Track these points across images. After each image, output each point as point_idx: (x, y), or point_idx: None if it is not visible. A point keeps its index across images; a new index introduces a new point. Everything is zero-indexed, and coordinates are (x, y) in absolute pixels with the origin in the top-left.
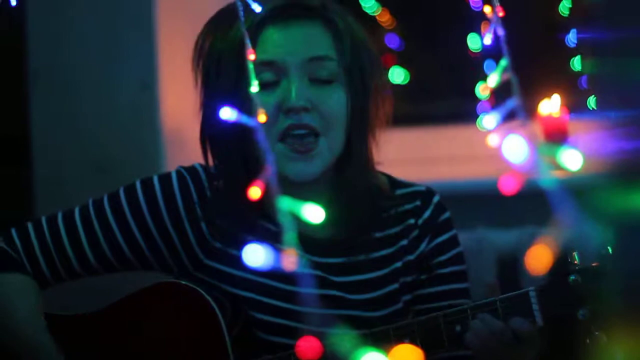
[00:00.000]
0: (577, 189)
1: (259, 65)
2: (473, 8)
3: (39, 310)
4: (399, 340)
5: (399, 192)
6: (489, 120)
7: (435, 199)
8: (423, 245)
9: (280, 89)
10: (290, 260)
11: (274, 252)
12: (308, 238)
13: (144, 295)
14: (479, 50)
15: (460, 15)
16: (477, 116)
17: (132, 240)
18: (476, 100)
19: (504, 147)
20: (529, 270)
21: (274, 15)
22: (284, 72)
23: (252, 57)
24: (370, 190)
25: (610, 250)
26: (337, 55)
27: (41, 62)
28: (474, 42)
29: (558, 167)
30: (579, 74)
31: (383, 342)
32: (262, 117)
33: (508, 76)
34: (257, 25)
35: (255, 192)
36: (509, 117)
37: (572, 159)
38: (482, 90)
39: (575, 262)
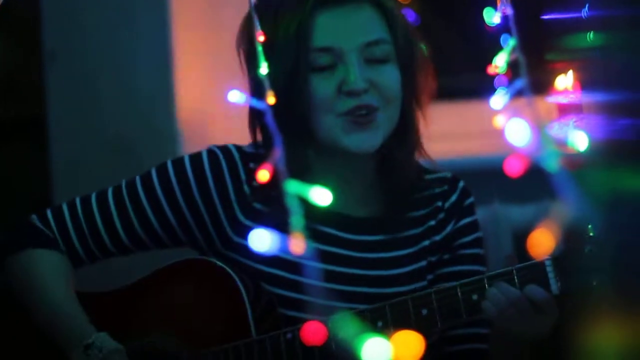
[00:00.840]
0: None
1: (316, 51)
2: None
3: (72, 287)
4: (418, 311)
5: (427, 177)
6: (496, 100)
7: (461, 184)
8: (449, 227)
9: (337, 71)
10: (298, 244)
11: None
12: (342, 216)
13: (169, 272)
14: (495, 25)
15: None
16: (494, 91)
17: (164, 219)
18: (493, 75)
19: (507, 130)
20: (531, 254)
21: (326, 1)
22: (340, 57)
23: (261, 38)
24: (411, 169)
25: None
26: (389, 37)
27: (57, 43)
28: (489, 16)
29: (562, 148)
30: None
31: (402, 313)
32: (271, 100)
33: (516, 56)
34: (311, 12)
35: (263, 175)
36: (517, 95)
37: (579, 139)
38: (491, 69)
39: (591, 234)
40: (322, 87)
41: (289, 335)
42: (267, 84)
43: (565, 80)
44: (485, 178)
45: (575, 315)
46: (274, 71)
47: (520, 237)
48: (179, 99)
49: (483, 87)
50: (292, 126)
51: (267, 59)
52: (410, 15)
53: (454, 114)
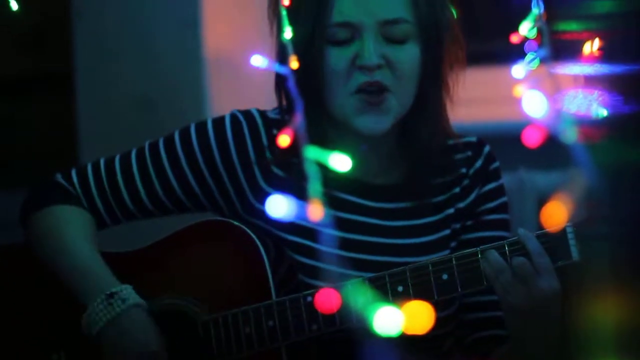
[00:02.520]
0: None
1: (336, 25)
2: None
3: (95, 242)
4: (438, 275)
5: (451, 142)
6: (518, 69)
7: (486, 149)
8: (474, 194)
9: (354, 45)
10: (316, 211)
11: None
12: (363, 183)
13: (190, 232)
14: None
15: None
16: (522, 57)
17: (185, 183)
18: (522, 40)
19: (524, 101)
20: (545, 223)
21: None
22: (358, 31)
23: (286, 2)
24: (435, 143)
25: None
26: (411, 16)
27: (82, 3)
28: None
29: (581, 119)
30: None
31: (423, 278)
32: (294, 64)
33: (540, 24)
34: None
35: (284, 140)
36: (540, 64)
37: (600, 108)
38: (515, 37)
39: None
40: (337, 59)
41: (309, 298)
42: (290, 48)
43: (591, 47)
44: (510, 144)
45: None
46: (294, 40)
47: (545, 203)
48: (205, 57)
49: (511, 53)
50: (309, 96)
51: (291, 24)
52: None
53: (481, 79)
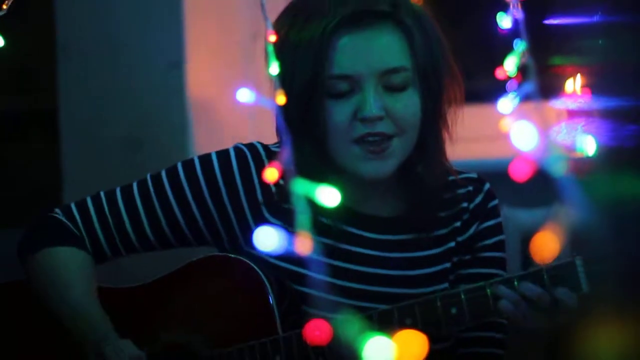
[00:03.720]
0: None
1: (335, 77)
2: None
3: (94, 286)
4: (447, 309)
5: (454, 177)
6: (504, 103)
7: (486, 186)
8: (473, 229)
9: (355, 97)
10: (304, 244)
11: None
12: (366, 215)
13: (193, 268)
14: (506, 29)
15: None
16: (503, 95)
17: (190, 215)
18: (502, 79)
19: (513, 133)
20: (534, 257)
21: (345, 24)
22: (357, 83)
23: (272, 38)
24: (436, 181)
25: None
26: (411, 63)
27: (70, 38)
28: (502, 20)
29: (570, 152)
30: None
31: (431, 312)
32: (281, 99)
33: (526, 59)
34: (330, 34)
35: (271, 174)
36: (526, 99)
37: (588, 143)
38: (501, 73)
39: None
40: (338, 113)
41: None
42: (277, 83)
43: (573, 84)
44: (494, 181)
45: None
46: (290, 95)
47: (529, 241)
48: (190, 96)
49: (492, 91)
50: (310, 141)
51: (289, 75)
52: None
53: (464, 117)
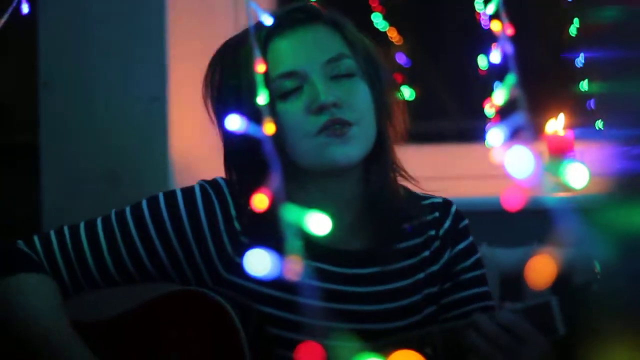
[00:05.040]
0: (582, 207)
1: (279, 77)
2: (482, 26)
3: (62, 310)
4: (421, 349)
5: (418, 204)
6: (494, 136)
7: (453, 208)
8: (446, 255)
9: (305, 93)
10: (294, 269)
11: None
12: (332, 250)
13: (161, 303)
14: (487, 69)
15: (467, 33)
16: (484, 135)
17: (154, 252)
18: (482, 119)
19: (508, 161)
20: (529, 284)
21: (280, 26)
22: (304, 78)
23: (262, 68)
24: (397, 196)
25: (598, 268)
26: (350, 52)
27: (52, 72)
28: (483, 61)
29: (563, 186)
30: (586, 96)
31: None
32: (270, 128)
33: (515, 93)
34: (265, 40)
35: (261, 202)
36: (514, 134)
37: (578, 177)
38: (489, 107)
39: (597, 271)
40: (292, 111)
41: None
42: (265, 112)
43: (556, 124)
44: (473, 220)
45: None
46: (242, 103)
47: (507, 280)
48: (171, 131)
49: (474, 131)
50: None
51: (233, 89)
52: (402, 58)
53: (441, 156)
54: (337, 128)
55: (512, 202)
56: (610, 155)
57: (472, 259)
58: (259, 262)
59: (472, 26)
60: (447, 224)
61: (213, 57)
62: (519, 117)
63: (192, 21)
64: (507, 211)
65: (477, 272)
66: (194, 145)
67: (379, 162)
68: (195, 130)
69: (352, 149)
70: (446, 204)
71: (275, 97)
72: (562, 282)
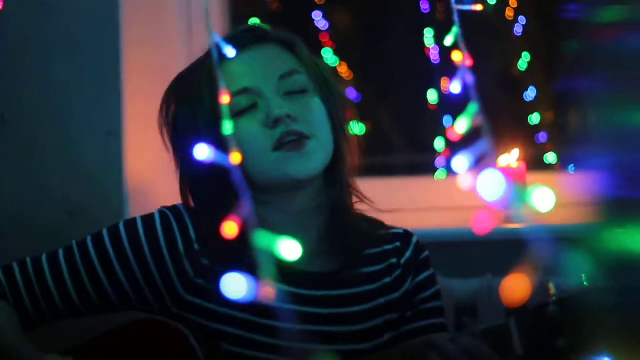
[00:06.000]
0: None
1: (234, 95)
2: (431, 61)
3: (26, 338)
4: None
5: (380, 232)
6: (459, 162)
7: (414, 239)
8: (407, 284)
9: (259, 109)
10: (268, 292)
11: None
12: (294, 271)
13: (120, 333)
14: (437, 104)
15: (417, 69)
16: (434, 168)
17: (116, 280)
18: (432, 153)
19: (479, 182)
20: (505, 301)
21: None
22: (258, 94)
23: (226, 99)
24: (355, 219)
25: (585, 282)
26: (302, 68)
27: (7, 107)
28: (432, 96)
29: (530, 211)
30: (536, 129)
31: None
32: (236, 158)
33: (478, 121)
34: (217, 63)
35: (231, 229)
36: (479, 160)
37: (544, 201)
38: (451, 135)
39: (552, 292)
40: (248, 127)
41: None
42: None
43: (509, 158)
44: (429, 251)
45: None
46: (203, 138)
47: (462, 310)
48: (127, 165)
49: (424, 165)
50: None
51: (191, 112)
52: (352, 93)
53: (392, 189)
54: (294, 140)
55: (482, 226)
56: (573, 184)
57: (433, 290)
58: (235, 286)
59: (419, 61)
60: (408, 254)
61: (166, 90)
62: (483, 144)
63: (146, 55)
64: (459, 243)
65: (437, 303)
66: (150, 176)
67: (336, 174)
68: (150, 162)
69: (311, 163)
70: (407, 235)
71: (231, 116)
72: (518, 305)
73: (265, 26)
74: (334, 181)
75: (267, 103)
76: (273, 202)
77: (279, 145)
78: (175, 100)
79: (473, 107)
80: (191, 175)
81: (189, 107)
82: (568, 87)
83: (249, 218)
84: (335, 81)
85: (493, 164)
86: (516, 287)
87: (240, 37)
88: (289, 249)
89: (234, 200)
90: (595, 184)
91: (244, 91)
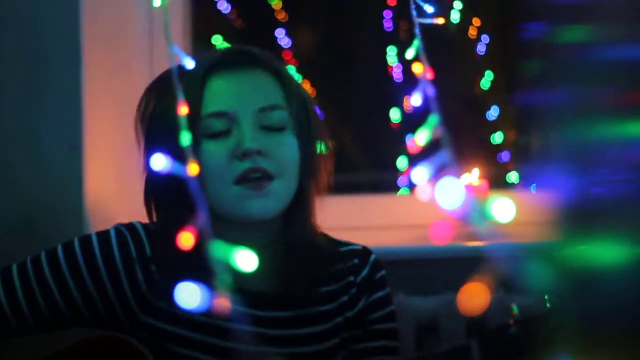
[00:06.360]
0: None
1: (210, 116)
2: (394, 80)
3: None
4: None
5: (338, 249)
6: (419, 173)
7: (372, 257)
8: (362, 302)
9: (232, 136)
10: (223, 303)
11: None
12: (249, 292)
13: (74, 351)
14: (399, 122)
15: (379, 86)
16: (396, 186)
17: (69, 296)
18: (394, 171)
19: (437, 191)
20: (462, 310)
21: (221, 64)
22: (235, 121)
23: (184, 110)
24: (315, 243)
25: (547, 302)
26: (286, 104)
27: None
28: (395, 115)
29: (490, 222)
30: (498, 148)
31: None
32: (194, 169)
33: (438, 132)
34: (203, 76)
35: (187, 240)
36: (439, 171)
37: (504, 211)
38: (412, 147)
39: (514, 313)
40: (216, 152)
41: None
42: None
43: (470, 177)
44: (389, 269)
45: None
46: (170, 146)
47: (423, 328)
48: (87, 178)
49: (386, 183)
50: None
51: (164, 124)
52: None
53: (355, 207)
54: (257, 178)
55: (441, 236)
56: (534, 202)
57: (387, 310)
58: (189, 295)
59: (384, 79)
60: (364, 272)
61: (149, 85)
62: (444, 155)
63: (107, 70)
64: (420, 260)
65: (391, 325)
66: (109, 192)
67: (298, 214)
68: (110, 177)
69: (269, 204)
70: (365, 252)
71: (203, 135)
72: (477, 325)
73: (261, 51)
74: (296, 219)
75: (241, 133)
76: (229, 231)
77: (241, 179)
78: (154, 98)
79: (433, 119)
80: (153, 179)
81: (162, 111)
82: (529, 106)
83: (205, 229)
84: (316, 115)
85: (453, 174)
86: (474, 295)
87: (233, 57)
88: (245, 260)
89: (190, 211)
90: (557, 202)
91: (221, 115)
